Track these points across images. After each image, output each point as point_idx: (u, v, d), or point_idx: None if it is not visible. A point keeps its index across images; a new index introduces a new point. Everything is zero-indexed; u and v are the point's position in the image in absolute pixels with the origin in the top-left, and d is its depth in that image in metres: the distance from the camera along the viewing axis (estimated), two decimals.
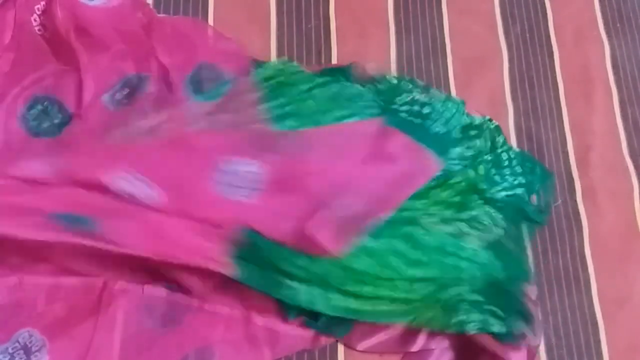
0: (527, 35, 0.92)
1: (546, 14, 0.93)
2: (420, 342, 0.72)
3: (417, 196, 0.74)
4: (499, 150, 0.82)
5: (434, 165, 0.76)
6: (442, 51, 0.89)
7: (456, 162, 0.78)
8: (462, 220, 0.75)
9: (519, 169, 0.81)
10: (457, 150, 0.79)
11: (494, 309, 0.69)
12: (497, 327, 0.68)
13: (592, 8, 0.95)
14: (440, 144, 0.78)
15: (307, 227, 0.68)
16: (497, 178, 0.80)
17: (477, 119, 0.82)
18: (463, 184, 0.77)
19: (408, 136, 0.76)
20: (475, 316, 0.69)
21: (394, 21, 0.90)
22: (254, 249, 0.68)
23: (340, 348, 0.73)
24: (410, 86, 0.82)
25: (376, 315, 0.70)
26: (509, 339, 0.68)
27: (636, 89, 0.90)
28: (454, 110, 0.81)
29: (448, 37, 0.90)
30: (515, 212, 0.79)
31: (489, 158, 0.80)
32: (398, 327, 0.73)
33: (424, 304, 0.70)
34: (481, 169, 0.79)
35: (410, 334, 0.73)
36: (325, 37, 0.87)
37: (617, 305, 0.78)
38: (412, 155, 0.76)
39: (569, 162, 0.85)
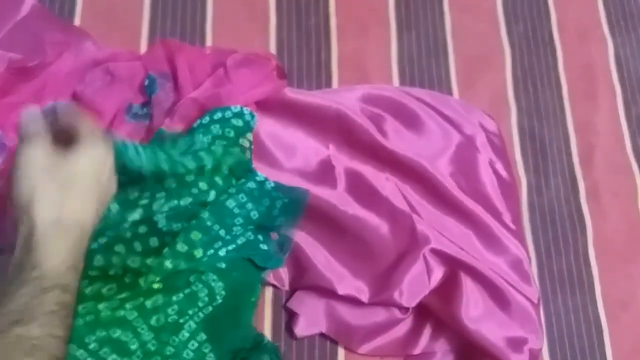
0: (530, 34, 0.91)
1: (549, 12, 0.93)
2: (422, 344, 0.72)
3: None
4: (223, 197, 0.68)
5: None
6: (443, 50, 0.88)
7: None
8: (171, 305, 0.65)
9: (254, 214, 0.69)
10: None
11: None
12: None
13: (595, 6, 0.94)
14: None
15: None
16: (222, 233, 0.67)
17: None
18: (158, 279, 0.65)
19: None
20: None
21: (395, 19, 0.89)
22: None
23: (341, 351, 0.72)
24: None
25: None
26: None
27: None
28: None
29: (450, 35, 0.89)
30: (243, 265, 0.69)
31: (206, 216, 0.67)
32: (400, 329, 0.72)
33: None
34: (196, 235, 0.66)
35: (412, 336, 0.72)
36: (325, 35, 0.87)
37: (621, 307, 0.78)
38: None
39: (573, 162, 0.84)
